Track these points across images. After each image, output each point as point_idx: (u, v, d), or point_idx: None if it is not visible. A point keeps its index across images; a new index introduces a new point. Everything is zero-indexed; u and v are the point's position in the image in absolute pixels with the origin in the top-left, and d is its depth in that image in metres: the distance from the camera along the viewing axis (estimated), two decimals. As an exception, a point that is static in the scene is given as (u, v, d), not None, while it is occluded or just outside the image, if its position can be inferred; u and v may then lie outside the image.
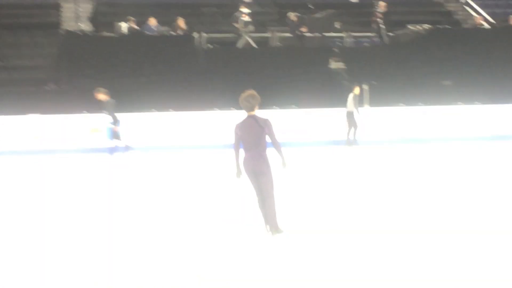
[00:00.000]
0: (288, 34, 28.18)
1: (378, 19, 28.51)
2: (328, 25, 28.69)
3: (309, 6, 30.19)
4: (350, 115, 22.86)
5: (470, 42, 27.49)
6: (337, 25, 28.86)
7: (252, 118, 9.38)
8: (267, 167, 8.94)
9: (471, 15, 32.00)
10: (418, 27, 28.42)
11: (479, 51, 27.09)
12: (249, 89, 9.93)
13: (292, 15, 27.99)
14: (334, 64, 27.19)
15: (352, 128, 22.84)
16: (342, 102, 23.20)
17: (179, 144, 23.38)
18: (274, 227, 8.87)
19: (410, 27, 28.58)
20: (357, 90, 23.04)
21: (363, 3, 31.34)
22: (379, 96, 25.00)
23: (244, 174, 9.03)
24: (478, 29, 29.64)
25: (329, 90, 25.83)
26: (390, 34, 28.87)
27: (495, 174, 15.15)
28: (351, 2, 32.32)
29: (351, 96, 22.87)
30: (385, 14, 28.74)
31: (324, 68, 26.81)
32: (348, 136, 22.84)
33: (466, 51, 27.08)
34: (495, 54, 27.07)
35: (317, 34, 28.32)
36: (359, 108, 23.00)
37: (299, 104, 24.74)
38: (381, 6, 28.68)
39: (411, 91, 25.60)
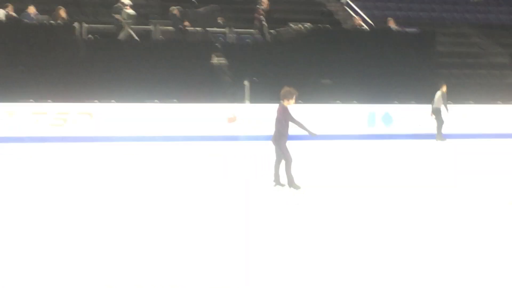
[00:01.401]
0: (170, 28, 28.02)
1: (261, 16, 28.70)
2: (211, 20, 28.70)
3: (192, 0, 30.12)
4: (437, 111, 25.14)
5: (349, 43, 28.07)
6: (220, 20, 28.91)
7: (281, 106, 12.41)
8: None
9: (351, 16, 32.68)
10: (300, 26, 28.79)
11: (358, 51, 27.70)
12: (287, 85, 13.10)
13: (175, 9, 27.84)
14: (216, 60, 27.25)
15: (439, 124, 25.11)
16: (224, 98, 23.34)
17: (56, 136, 22.97)
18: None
19: (292, 25, 28.91)
20: (444, 88, 25.01)
21: (246, 0, 31.51)
22: (260, 93, 25.23)
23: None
24: (357, 30, 30.31)
25: (211, 85, 25.92)
26: (272, 31, 29.13)
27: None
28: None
29: (438, 93, 24.93)
30: (267, 11, 28.96)
31: (206, 63, 26.84)
32: (438, 131, 25.13)
33: (346, 51, 27.64)
34: (373, 55, 27.74)
35: (199, 29, 28.29)
36: (447, 105, 25.23)
37: (180, 98, 24.70)
38: (264, 4, 28.89)
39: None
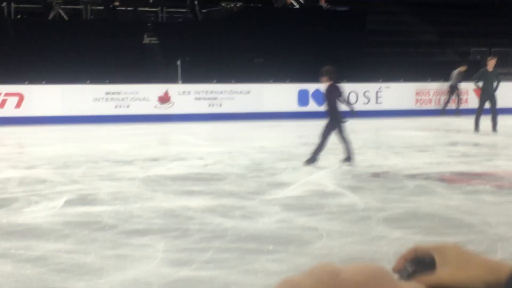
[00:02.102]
0: (101, 7, 27.70)
1: (193, -5, 28.59)
2: (142, -1, 28.50)
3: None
4: (453, 88, 26.93)
5: (280, 21, 28.15)
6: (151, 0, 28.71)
7: (334, 86, 12.59)
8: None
9: (283, -6, 32.74)
10: (231, 5, 28.77)
11: (290, 30, 27.81)
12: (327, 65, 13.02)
13: (105, -12, 27.53)
14: (148, 39, 27.07)
15: (457, 99, 27.14)
16: (156, 78, 23.23)
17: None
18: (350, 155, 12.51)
19: (223, 4, 28.87)
20: (463, 68, 26.73)
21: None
22: (192, 72, 25.19)
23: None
24: (288, 8, 30.40)
25: (142, 65, 25.75)
26: (204, 11, 29.05)
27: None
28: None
29: (455, 72, 26.60)
30: (199, -10, 28.89)
31: (137, 43, 26.64)
32: (457, 107, 27.05)
33: (277, 29, 27.72)
34: (305, 34, 27.89)
35: (131, 8, 28.03)
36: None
37: (112, 79, 24.49)
38: (195, -18, 28.80)
39: (224, 68, 25.95)
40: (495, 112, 19.41)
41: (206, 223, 7.87)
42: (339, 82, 12.99)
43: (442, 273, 1.07)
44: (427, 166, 12.74)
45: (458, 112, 26.80)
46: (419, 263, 1.09)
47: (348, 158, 12.65)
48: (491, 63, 19.74)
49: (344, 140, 12.65)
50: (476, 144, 16.76)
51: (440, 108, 27.40)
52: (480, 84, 19.68)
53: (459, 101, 27.25)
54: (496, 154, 14.98)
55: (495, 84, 19.59)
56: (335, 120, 12.56)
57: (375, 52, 30.37)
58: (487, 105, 19.45)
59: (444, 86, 27.57)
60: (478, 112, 19.66)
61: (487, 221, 7.94)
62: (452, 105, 27.31)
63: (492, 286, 1.06)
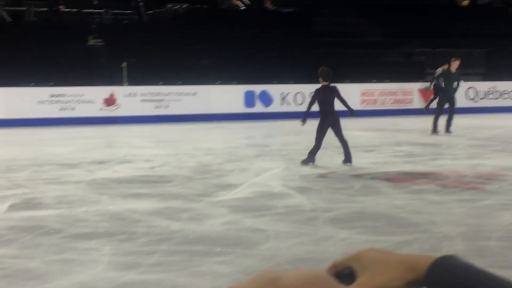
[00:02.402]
0: (44, 9, 27.38)
1: (138, -3, 28.47)
2: (87, 1, 28.23)
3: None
4: (437, 88, 25.69)
5: (227, 23, 28.16)
6: (95, 1, 28.44)
7: (328, 87, 12.92)
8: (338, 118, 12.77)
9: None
10: (177, 6, 28.68)
11: (236, 31, 27.84)
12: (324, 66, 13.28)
13: (50, -9, 27.24)
14: (93, 41, 26.84)
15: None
16: (102, 80, 23.03)
17: None
18: (349, 156, 12.64)
19: (169, 5, 28.77)
20: (446, 66, 25.50)
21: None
22: (138, 74, 25.04)
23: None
24: (235, 9, 30.42)
25: (88, 67, 25.52)
26: (149, 12, 28.90)
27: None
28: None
29: (439, 70, 24.23)
30: (143, -9, 28.75)
31: (82, 45, 26.38)
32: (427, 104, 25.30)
33: (224, 31, 27.72)
34: (251, 35, 27.93)
35: (75, 10, 27.76)
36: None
37: (56, 82, 24.21)
38: (141, -17, 28.66)
39: (170, 69, 25.85)
40: (452, 113, 19.28)
41: (153, 226, 7.82)
42: (333, 83, 13.15)
43: (362, 281, 1.08)
44: (373, 166, 12.85)
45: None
46: (339, 277, 1.09)
47: (347, 160, 12.79)
48: (454, 64, 19.53)
49: (342, 141, 12.74)
50: (421, 144, 16.96)
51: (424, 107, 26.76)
52: (431, 86, 19.74)
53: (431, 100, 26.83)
54: (440, 153, 15.17)
55: (455, 85, 19.47)
56: (330, 120, 12.65)
57: (321, 53, 30.53)
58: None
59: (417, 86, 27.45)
60: (436, 114, 19.38)
61: (432, 220, 8.04)
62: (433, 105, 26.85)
63: (413, 283, 1.07)
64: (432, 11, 37.02)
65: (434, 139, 18.28)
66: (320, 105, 12.88)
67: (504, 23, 37.25)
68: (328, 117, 12.71)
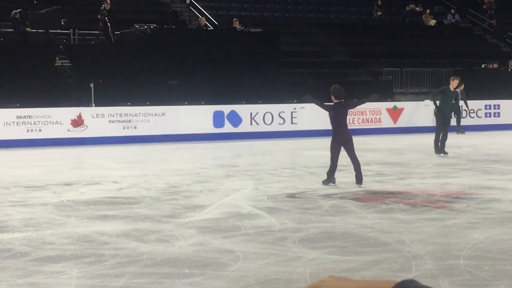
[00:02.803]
0: (11, 30, 27.19)
1: (105, 18, 28.32)
2: (53, 21, 28.06)
3: (34, 1, 29.35)
4: (457, 108, 25.90)
5: (195, 43, 28.14)
6: (62, 21, 28.31)
7: (341, 104, 12.70)
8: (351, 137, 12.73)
9: (197, 16, 32.81)
10: (144, 26, 28.62)
11: (204, 51, 27.82)
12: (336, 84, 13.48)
13: (17, 14, 26.97)
14: (60, 62, 26.68)
15: (458, 118, 26.63)
16: (69, 101, 22.83)
17: None
18: (360, 176, 12.81)
19: (137, 26, 28.70)
20: (462, 86, 26.19)
21: (89, 1, 31.04)
22: (105, 95, 24.90)
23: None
24: (203, 30, 30.44)
25: (55, 88, 25.35)
26: (117, 32, 28.81)
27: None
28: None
29: (457, 91, 24.57)
30: (111, 12, 28.61)
31: (49, 65, 26.19)
32: (457, 124, 26.42)
33: (192, 51, 27.69)
34: (219, 55, 27.95)
35: (42, 31, 27.60)
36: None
37: (23, 103, 23.99)
38: (107, 4, 28.51)
39: (138, 90, 25.74)
40: (446, 134, 18.65)
41: (121, 248, 7.75)
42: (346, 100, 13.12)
43: None
44: (342, 186, 12.87)
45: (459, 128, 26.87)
46: None
47: (358, 181, 12.88)
48: (453, 83, 19.03)
49: (354, 161, 12.82)
50: (389, 163, 17.03)
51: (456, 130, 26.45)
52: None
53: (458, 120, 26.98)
54: (409, 172, 15.23)
55: (453, 103, 19.04)
56: (341, 138, 12.68)
57: (289, 73, 30.66)
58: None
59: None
60: (436, 133, 18.82)
61: (401, 239, 8.05)
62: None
63: None
64: (399, 32, 37.39)
65: (402, 158, 18.36)
66: (332, 122, 12.88)
67: (470, 42, 37.73)
68: (339, 134, 12.72)
